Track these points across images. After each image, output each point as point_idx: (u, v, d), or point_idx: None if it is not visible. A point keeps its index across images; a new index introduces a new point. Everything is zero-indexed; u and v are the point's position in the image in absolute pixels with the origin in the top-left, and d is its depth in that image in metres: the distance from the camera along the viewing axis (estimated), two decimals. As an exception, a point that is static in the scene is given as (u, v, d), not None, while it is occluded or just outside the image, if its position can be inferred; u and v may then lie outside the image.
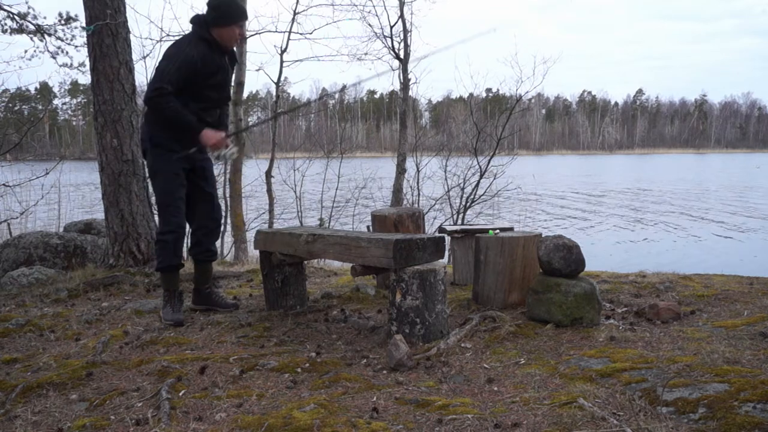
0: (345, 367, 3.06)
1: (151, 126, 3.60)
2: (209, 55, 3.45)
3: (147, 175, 3.97)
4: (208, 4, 3.49)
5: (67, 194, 12.73)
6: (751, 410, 2.21)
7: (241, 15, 3.55)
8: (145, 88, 4.18)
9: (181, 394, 2.76)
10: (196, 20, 3.52)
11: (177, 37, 9.92)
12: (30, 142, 12.02)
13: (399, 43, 12.50)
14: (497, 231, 4.43)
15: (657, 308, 3.67)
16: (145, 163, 3.74)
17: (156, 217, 4.75)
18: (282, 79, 11.67)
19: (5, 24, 6.82)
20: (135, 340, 3.64)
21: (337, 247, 3.60)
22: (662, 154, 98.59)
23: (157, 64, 3.43)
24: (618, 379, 2.69)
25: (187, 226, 3.99)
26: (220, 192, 12.92)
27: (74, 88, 70.30)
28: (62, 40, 6.95)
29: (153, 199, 5.00)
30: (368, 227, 5.21)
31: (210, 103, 3.55)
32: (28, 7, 6.78)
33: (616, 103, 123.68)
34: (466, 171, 12.11)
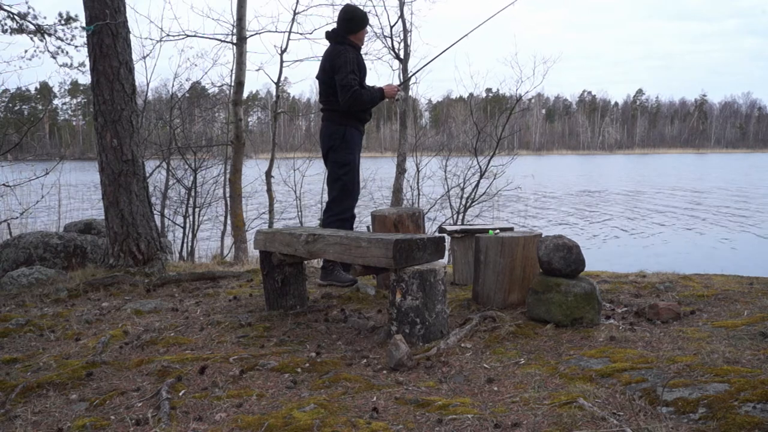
0: (345, 367, 3.06)
1: (345, 127, 4.36)
2: (359, 56, 4.45)
3: (340, 160, 4.38)
4: (342, 18, 4.35)
5: (67, 194, 12.72)
6: (751, 410, 2.20)
7: (367, 18, 4.54)
8: (145, 88, 4.67)
9: (181, 394, 2.76)
10: (333, 35, 4.39)
11: (178, 38, 10.11)
12: (30, 142, 12.03)
13: (399, 43, 12.50)
14: (497, 231, 4.43)
15: (657, 308, 3.67)
16: (334, 157, 4.38)
17: (156, 217, 4.80)
18: (282, 79, 11.68)
19: (5, 24, 6.83)
20: (135, 340, 3.64)
21: (337, 247, 3.60)
22: (662, 154, 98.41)
23: (337, 77, 4.21)
24: (618, 379, 2.69)
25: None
26: (220, 192, 13.01)
27: (74, 88, 70.18)
28: (62, 40, 6.95)
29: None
30: (368, 227, 5.21)
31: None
32: (28, 7, 6.81)
33: (616, 103, 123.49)
34: (466, 171, 12.13)
